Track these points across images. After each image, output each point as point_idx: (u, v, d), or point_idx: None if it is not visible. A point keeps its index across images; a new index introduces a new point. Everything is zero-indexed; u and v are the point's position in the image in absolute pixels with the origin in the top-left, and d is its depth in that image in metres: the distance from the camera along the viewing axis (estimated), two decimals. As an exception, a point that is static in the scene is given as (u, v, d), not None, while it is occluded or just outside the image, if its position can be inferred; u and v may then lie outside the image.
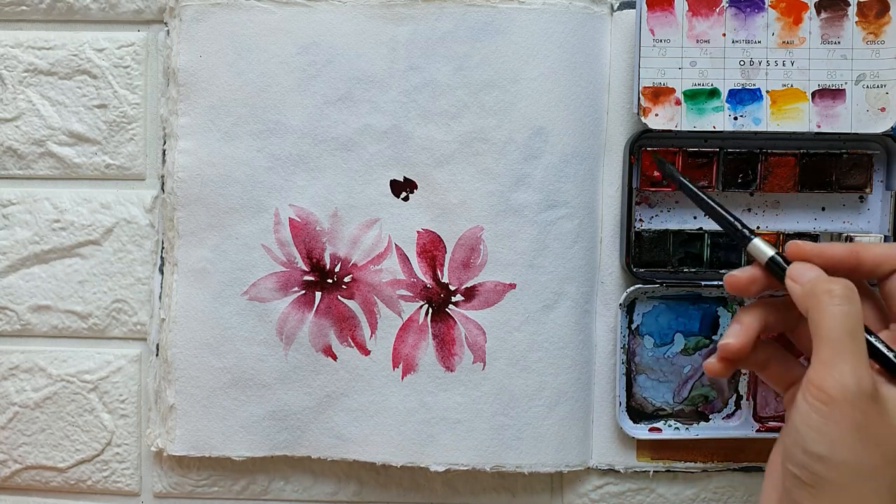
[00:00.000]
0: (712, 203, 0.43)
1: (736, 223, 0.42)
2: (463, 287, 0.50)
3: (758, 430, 0.51)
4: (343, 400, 0.50)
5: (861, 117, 0.49)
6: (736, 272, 0.41)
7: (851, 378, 0.34)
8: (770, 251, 0.40)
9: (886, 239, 0.50)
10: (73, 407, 0.53)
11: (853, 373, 0.35)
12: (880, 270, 0.39)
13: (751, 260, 0.41)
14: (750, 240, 0.41)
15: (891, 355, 0.37)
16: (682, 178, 0.44)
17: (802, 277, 0.38)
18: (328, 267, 0.51)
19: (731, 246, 0.50)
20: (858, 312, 0.36)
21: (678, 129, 0.49)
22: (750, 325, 0.40)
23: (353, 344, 0.51)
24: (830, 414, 0.35)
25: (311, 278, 0.51)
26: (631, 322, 0.51)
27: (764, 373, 0.42)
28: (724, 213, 0.42)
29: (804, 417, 0.35)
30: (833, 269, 0.39)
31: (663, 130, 0.49)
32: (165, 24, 0.51)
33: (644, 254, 0.50)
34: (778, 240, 0.50)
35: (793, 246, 0.40)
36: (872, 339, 0.37)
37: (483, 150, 0.50)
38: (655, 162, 0.43)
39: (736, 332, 0.40)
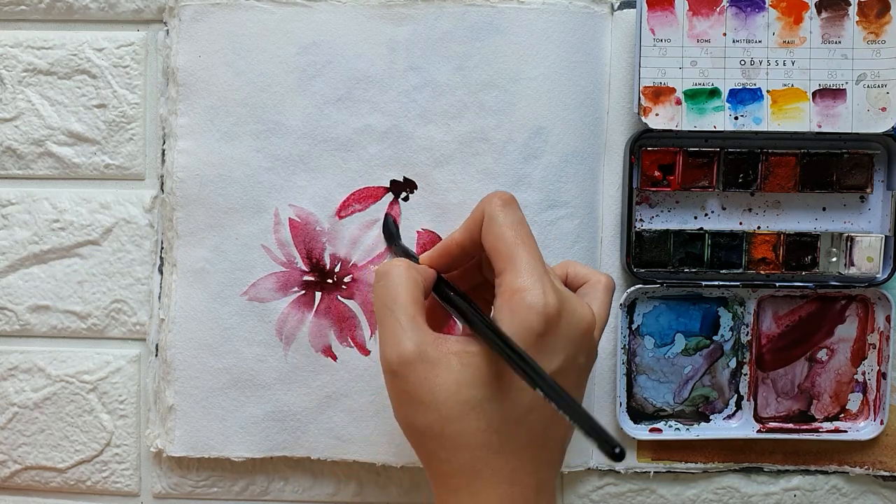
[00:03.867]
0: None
1: None
2: (463, 287, 0.50)
3: (758, 431, 0.51)
4: (343, 400, 0.50)
5: (862, 117, 0.49)
6: None
7: (386, 350, 0.36)
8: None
9: (887, 240, 0.49)
10: (73, 407, 0.53)
11: (387, 346, 0.36)
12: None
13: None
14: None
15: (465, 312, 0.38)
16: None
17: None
18: (328, 267, 0.51)
19: (732, 246, 0.50)
20: (400, 281, 0.37)
21: (679, 128, 0.49)
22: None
23: (352, 344, 0.50)
24: (388, 383, 0.37)
25: (311, 278, 0.51)
26: (631, 322, 0.51)
27: None
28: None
29: None
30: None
31: (664, 130, 0.49)
32: (165, 23, 0.51)
33: (644, 254, 0.50)
34: (778, 240, 0.50)
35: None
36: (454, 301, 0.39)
37: (483, 150, 0.50)
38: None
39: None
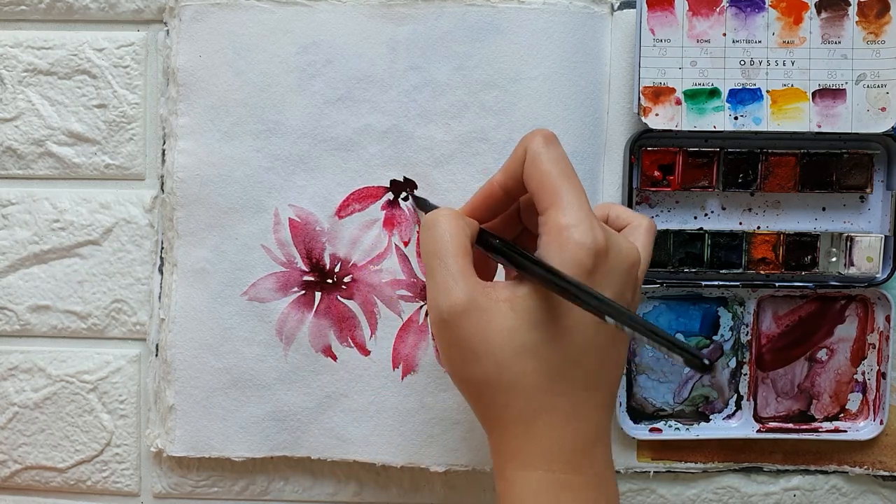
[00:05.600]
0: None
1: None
2: (463, 287, 0.50)
3: (758, 431, 0.51)
4: (343, 400, 0.50)
5: (861, 117, 0.49)
6: None
7: (438, 300, 0.36)
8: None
9: (887, 240, 0.50)
10: (73, 407, 0.53)
11: (438, 296, 0.36)
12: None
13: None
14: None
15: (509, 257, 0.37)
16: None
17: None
18: (328, 267, 0.51)
19: (732, 246, 0.50)
20: (448, 231, 0.37)
21: (678, 128, 0.49)
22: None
23: (352, 344, 0.50)
24: (440, 334, 0.37)
25: (311, 278, 0.51)
26: (631, 322, 0.51)
27: None
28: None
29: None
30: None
31: (664, 130, 0.49)
32: (165, 23, 0.51)
33: (644, 254, 0.50)
34: (778, 240, 0.50)
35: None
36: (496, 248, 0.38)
37: (483, 150, 0.50)
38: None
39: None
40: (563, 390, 0.36)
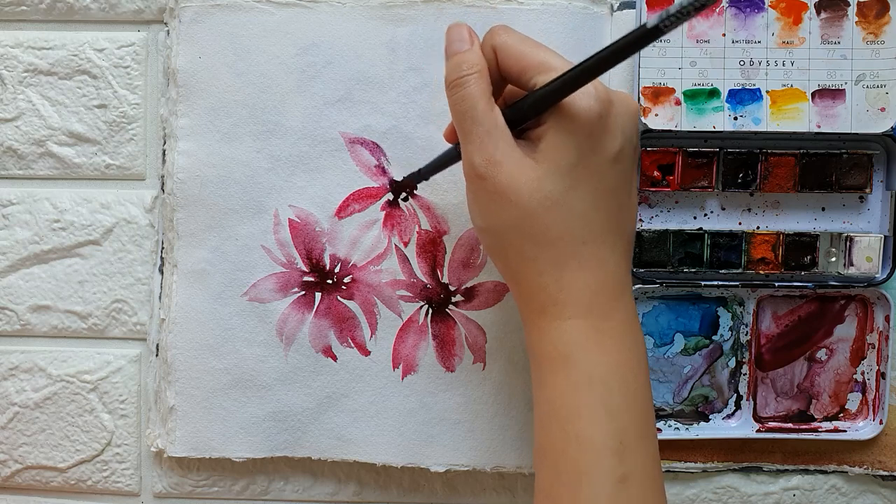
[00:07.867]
0: None
1: None
2: (463, 287, 0.50)
3: (758, 431, 0.51)
4: (343, 401, 0.50)
5: (861, 117, 0.49)
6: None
7: (472, 155, 0.38)
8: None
9: (886, 240, 0.50)
10: (73, 407, 0.53)
11: (473, 151, 0.38)
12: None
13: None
14: None
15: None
16: None
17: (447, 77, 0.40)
18: (328, 267, 0.51)
19: (732, 246, 0.50)
20: (477, 91, 0.38)
21: (678, 129, 0.49)
22: None
23: (353, 344, 0.51)
24: (473, 190, 0.39)
25: (311, 279, 0.51)
26: (631, 322, 0.51)
27: None
28: None
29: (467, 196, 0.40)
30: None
31: (663, 130, 0.49)
32: (165, 24, 0.51)
33: (644, 254, 0.50)
34: (778, 240, 0.50)
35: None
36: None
37: (483, 150, 0.50)
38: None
39: None
40: (588, 237, 0.38)
